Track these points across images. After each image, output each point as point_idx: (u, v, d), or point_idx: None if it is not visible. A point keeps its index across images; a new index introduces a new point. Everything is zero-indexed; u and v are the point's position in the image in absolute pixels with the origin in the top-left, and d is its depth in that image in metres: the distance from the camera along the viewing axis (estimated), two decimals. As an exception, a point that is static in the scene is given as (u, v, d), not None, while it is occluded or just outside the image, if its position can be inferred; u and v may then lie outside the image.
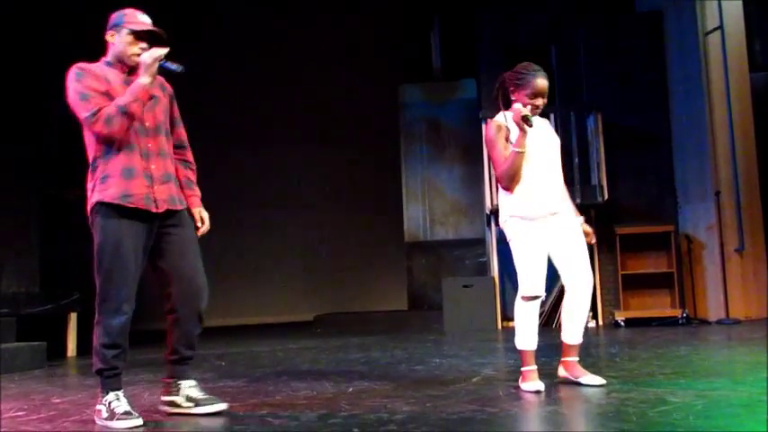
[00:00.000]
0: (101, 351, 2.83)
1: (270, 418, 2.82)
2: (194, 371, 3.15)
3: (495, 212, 7.98)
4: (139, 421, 2.76)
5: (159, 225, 2.93)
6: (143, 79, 2.85)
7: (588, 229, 3.49)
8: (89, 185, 2.91)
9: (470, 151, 9.14)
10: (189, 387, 2.99)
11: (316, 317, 9.41)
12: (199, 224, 3.08)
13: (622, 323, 7.19)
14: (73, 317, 6.50)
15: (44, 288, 6.65)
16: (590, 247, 3.49)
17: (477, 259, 9.24)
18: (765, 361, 3.89)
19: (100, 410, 2.84)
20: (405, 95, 9.77)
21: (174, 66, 2.90)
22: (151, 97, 2.95)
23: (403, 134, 9.69)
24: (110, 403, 2.81)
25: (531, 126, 3.26)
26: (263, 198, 11.35)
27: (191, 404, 2.95)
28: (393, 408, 2.91)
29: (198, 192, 3.16)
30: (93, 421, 2.91)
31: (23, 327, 5.78)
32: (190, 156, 3.19)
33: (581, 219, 3.50)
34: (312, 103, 11.09)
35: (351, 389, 3.52)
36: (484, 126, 8.06)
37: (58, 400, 3.58)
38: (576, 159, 7.71)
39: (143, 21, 2.97)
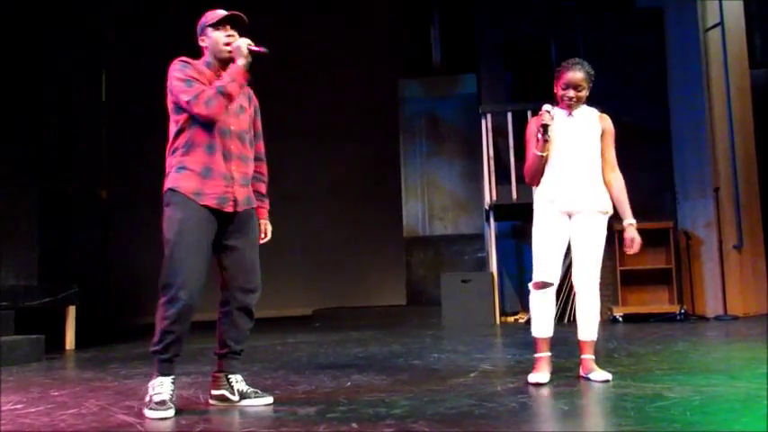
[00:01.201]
0: (157, 333, 2.89)
1: (268, 412, 2.82)
2: (193, 364, 3.15)
3: (493, 208, 7.99)
4: (169, 413, 2.78)
5: (231, 223, 3.01)
6: (239, 61, 2.96)
7: (635, 236, 3.43)
8: (166, 169, 3.00)
9: (470, 146, 9.13)
10: (238, 381, 3.06)
11: (314, 311, 9.42)
12: (262, 235, 3.23)
13: (620, 319, 7.21)
14: (71, 310, 6.50)
15: (43, 281, 6.65)
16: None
17: (475, 254, 9.25)
18: (763, 357, 3.90)
19: (147, 391, 2.91)
20: (404, 90, 9.75)
21: (259, 48, 2.99)
22: (239, 105, 3.09)
23: (402, 129, 9.68)
24: (153, 387, 2.86)
25: (546, 138, 3.29)
26: (261, 192, 11.34)
27: (239, 398, 3.01)
28: (391, 402, 2.91)
29: (267, 205, 3.31)
30: (92, 414, 2.92)
31: (22, 320, 5.78)
32: (264, 170, 3.32)
33: (632, 222, 3.47)
34: (311, 98, 11.07)
35: (349, 383, 3.53)
36: (483, 121, 8.07)
37: (56, 393, 3.58)
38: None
39: (220, 12, 3.10)
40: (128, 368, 4.56)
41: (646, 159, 7.92)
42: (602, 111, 3.54)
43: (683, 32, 7.73)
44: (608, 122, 3.50)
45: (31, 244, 6.67)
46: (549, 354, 3.33)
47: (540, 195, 3.42)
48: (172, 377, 2.91)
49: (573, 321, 3.57)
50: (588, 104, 3.52)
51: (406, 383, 3.46)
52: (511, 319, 7.87)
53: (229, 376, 3.06)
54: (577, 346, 3.46)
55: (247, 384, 3.08)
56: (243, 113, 3.12)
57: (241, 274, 3.05)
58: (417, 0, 10.26)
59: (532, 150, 3.36)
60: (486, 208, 8.16)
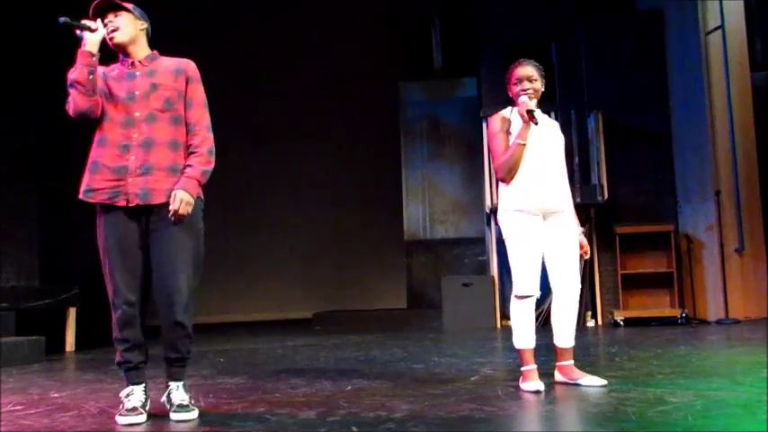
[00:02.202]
0: (115, 344, 2.88)
1: (268, 416, 2.81)
2: (192, 367, 3.14)
3: (494, 211, 7.97)
4: (139, 419, 2.75)
5: (149, 218, 2.84)
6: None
7: (584, 242, 3.45)
8: None
9: (471, 149, 9.13)
10: (173, 390, 2.89)
11: (315, 314, 9.41)
12: (170, 207, 2.79)
13: (621, 323, 7.19)
14: (72, 311, 6.50)
15: (43, 282, 6.65)
16: (590, 246, 3.47)
17: (476, 258, 9.24)
18: (765, 361, 3.89)
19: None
20: (405, 93, 9.76)
21: (81, 26, 2.82)
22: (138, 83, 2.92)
23: (403, 132, 9.68)
24: (125, 395, 2.85)
25: (536, 122, 3.27)
26: (262, 195, 11.35)
27: (170, 407, 2.87)
28: (392, 406, 2.90)
29: (188, 173, 2.87)
30: (92, 416, 2.91)
31: (22, 321, 5.78)
32: (195, 139, 2.93)
33: (580, 230, 3.47)
34: (312, 100, 11.09)
35: (349, 387, 3.52)
36: (484, 124, 8.07)
37: (56, 395, 3.58)
38: (577, 158, 7.69)
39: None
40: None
41: (646, 162, 7.93)
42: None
43: (683, 35, 7.73)
44: (559, 130, 3.52)
45: (31, 245, 6.68)
46: (536, 366, 3.30)
47: (508, 205, 3.34)
48: (143, 385, 2.87)
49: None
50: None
51: (406, 387, 3.45)
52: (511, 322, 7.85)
53: (169, 383, 2.91)
54: (554, 353, 3.43)
55: (184, 394, 2.88)
56: (156, 91, 2.91)
57: (157, 275, 2.84)
58: (418, 3, 10.26)
59: (514, 141, 3.31)
60: (487, 211, 8.15)
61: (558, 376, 3.41)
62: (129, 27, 2.94)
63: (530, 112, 3.27)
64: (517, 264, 3.30)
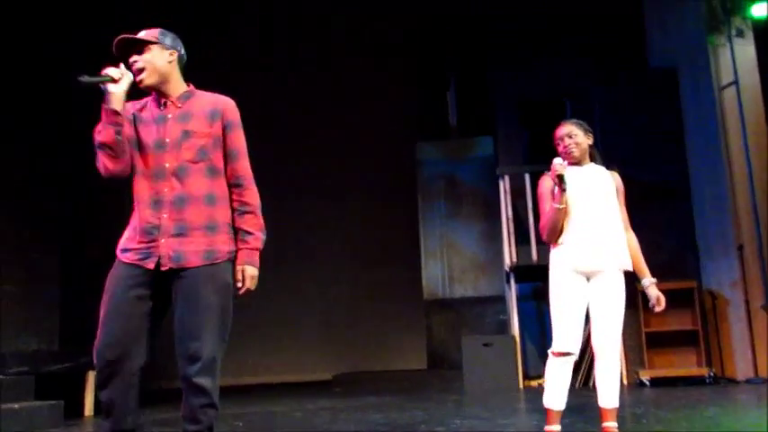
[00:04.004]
0: None
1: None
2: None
3: (514, 269, 7.92)
4: None
5: (172, 282, 2.55)
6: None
7: (657, 293, 3.38)
8: None
9: (488, 208, 9.14)
10: None
11: (335, 376, 9.29)
12: (239, 284, 2.60)
13: (647, 382, 7.01)
14: (91, 375, 6.46)
15: (63, 346, 6.65)
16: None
17: (497, 317, 9.13)
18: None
19: None
20: (422, 152, 9.86)
21: (100, 77, 2.54)
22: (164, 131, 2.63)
23: (420, 191, 9.73)
24: None
25: (563, 188, 3.27)
26: (278, 254, 11.34)
27: None
28: (413, 471, 2.83)
29: (249, 244, 2.65)
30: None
31: (42, 385, 5.76)
32: (246, 196, 2.69)
33: (652, 280, 3.42)
34: (328, 159, 11.21)
35: (369, 451, 3.44)
36: (501, 182, 8.10)
37: (72, 463, 3.53)
38: (595, 215, 7.65)
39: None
40: None
41: (665, 218, 7.87)
42: (614, 168, 3.53)
43: (698, 90, 7.78)
44: (618, 180, 3.49)
45: (52, 308, 6.71)
46: (560, 428, 3.23)
47: (555, 258, 3.35)
48: None
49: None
50: (602, 163, 3.52)
51: (427, 451, 3.37)
52: (534, 383, 7.68)
53: None
54: (599, 414, 3.35)
55: None
56: (188, 140, 2.60)
57: (180, 342, 2.51)
58: (433, 64, 10.48)
59: (550, 204, 3.33)
60: (507, 270, 8.10)
61: None
62: (156, 64, 2.62)
63: (559, 176, 3.28)
64: (556, 320, 3.29)
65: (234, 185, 2.69)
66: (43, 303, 6.67)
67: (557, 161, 3.33)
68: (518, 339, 7.77)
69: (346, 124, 11.15)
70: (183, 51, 2.73)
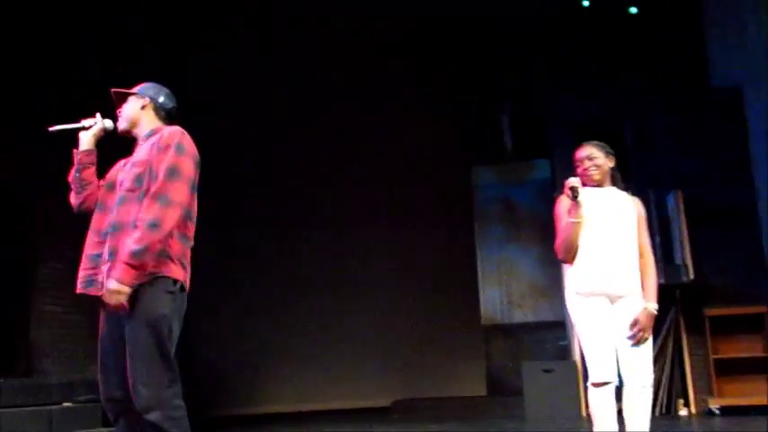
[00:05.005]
0: None
1: None
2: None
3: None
4: None
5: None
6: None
7: (645, 319, 3.18)
8: None
9: (546, 231, 8.97)
10: None
11: (393, 402, 9.24)
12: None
13: (717, 411, 6.74)
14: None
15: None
16: (677, 330, 3.31)
17: (557, 342, 8.96)
18: None
19: None
20: (477, 177, 9.83)
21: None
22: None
23: (477, 215, 9.68)
24: None
25: (576, 198, 3.21)
26: (335, 279, 11.42)
27: None
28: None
29: (121, 258, 2.47)
30: None
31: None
32: (142, 212, 2.52)
33: (653, 307, 3.23)
34: (384, 185, 11.26)
35: (429, 480, 3.40)
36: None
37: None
38: (658, 238, 7.47)
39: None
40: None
41: (733, 241, 7.60)
42: (633, 194, 3.45)
43: (763, 108, 7.54)
44: (640, 205, 3.41)
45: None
46: None
47: (573, 285, 3.26)
48: None
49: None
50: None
51: (488, 481, 3.31)
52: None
53: None
54: None
55: None
56: (130, 170, 2.68)
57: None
58: (488, 88, 10.47)
59: (566, 220, 3.26)
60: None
61: None
62: (129, 111, 2.84)
63: (573, 189, 3.22)
64: (588, 350, 3.19)
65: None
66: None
67: (571, 178, 3.28)
68: (579, 365, 7.59)
69: (400, 149, 11.20)
70: (162, 100, 2.87)
